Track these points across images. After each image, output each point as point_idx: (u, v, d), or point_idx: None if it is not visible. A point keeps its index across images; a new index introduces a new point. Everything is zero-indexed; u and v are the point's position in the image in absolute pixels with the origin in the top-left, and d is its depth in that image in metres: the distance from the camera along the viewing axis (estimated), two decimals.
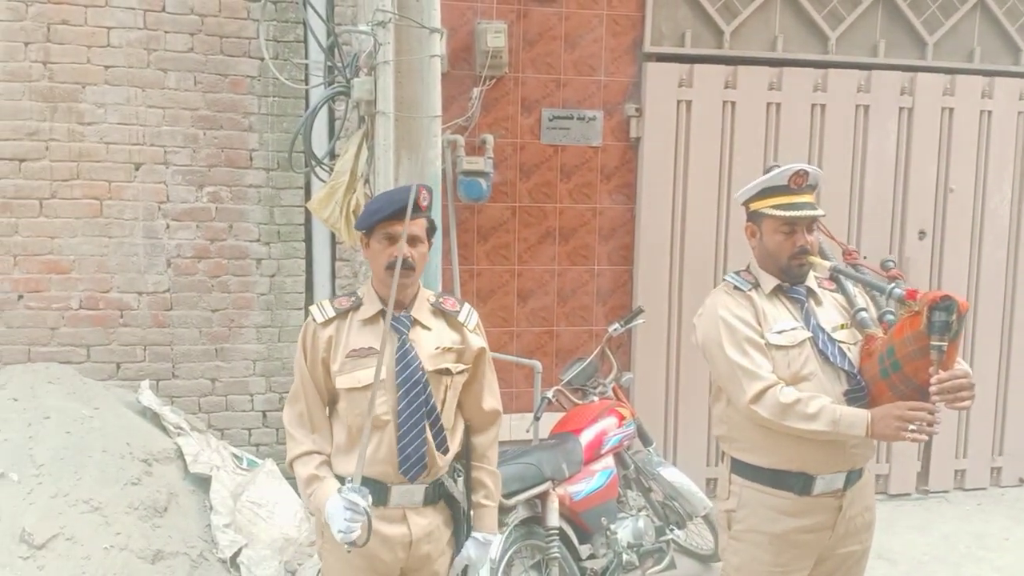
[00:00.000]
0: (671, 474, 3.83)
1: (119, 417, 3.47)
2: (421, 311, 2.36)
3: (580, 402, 3.82)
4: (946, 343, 2.15)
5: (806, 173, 2.45)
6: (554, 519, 3.23)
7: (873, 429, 2.25)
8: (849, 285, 2.56)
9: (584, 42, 4.69)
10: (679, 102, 4.75)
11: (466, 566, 2.49)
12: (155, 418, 3.60)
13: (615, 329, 3.92)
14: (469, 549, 2.41)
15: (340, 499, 2.11)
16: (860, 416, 2.28)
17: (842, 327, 2.48)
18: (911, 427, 2.19)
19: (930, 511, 4.87)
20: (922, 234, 5.00)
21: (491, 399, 2.46)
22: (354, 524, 2.09)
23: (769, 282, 2.50)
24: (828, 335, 2.43)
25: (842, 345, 2.43)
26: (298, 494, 3.62)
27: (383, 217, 2.23)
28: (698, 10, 4.77)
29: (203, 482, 3.46)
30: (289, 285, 4.39)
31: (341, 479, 2.25)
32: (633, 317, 3.99)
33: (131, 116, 4.17)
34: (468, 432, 2.47)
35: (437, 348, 2.32)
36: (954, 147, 5.02)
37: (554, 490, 3.28)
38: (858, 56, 4.95)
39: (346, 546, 2.14)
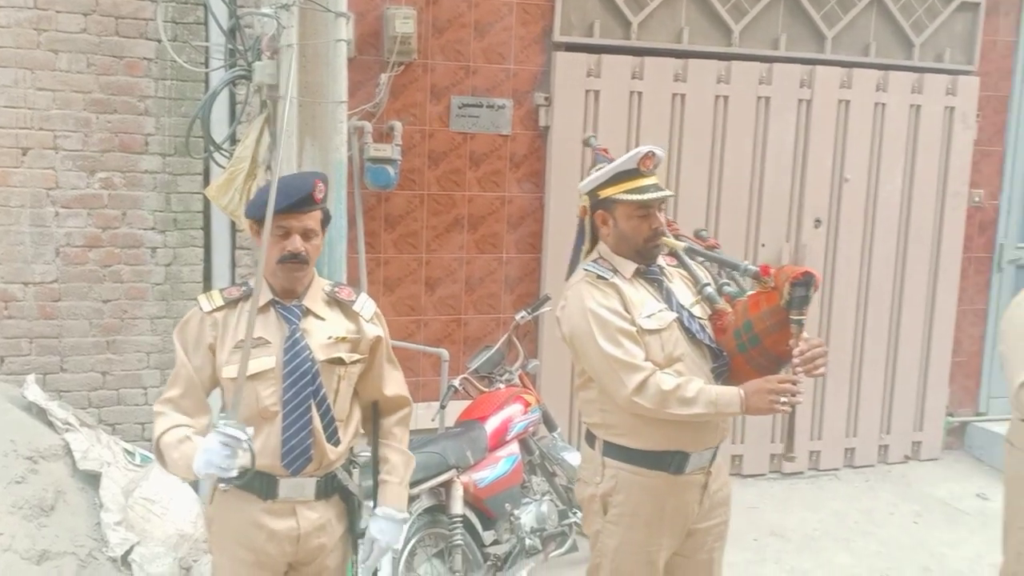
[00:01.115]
0: (575, 458, 3.88)
1: (3, 413, 3.34)
2: (315, 301, 2.33)
3: (487, 390, 3.84)
4: (805, 316, 2.28)
5: (654, 155, 2.47)
6: (458, 507, 3.26)
7: (747, 404, 2.32)
8: (688, 260, 2.61)
9: (494, 30, 4.69)
10: (587, 91, 4.79)
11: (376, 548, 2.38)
12: (41, 414, 3.47)
13: (522, 317, 3.96)
14: (371, 529, 2.36)
15: (216, 435, 2.00)
16: (734, 394, 2.34)
17: (696, 303, 2.54)
18: (782, 399, 2.28)
19: (822, 489, 5.09)
20: (818, 222, 5.18)
21: (393, 386, 2.45)
22: (232, 460, 1.98)
23: (628, 267, 2.51)
24: (689, 312, 2.49)
25: (701, 322, 2.50)
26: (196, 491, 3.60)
27: (276, 211, 2.18)
28: (607, 1, 4.82)
29: (93, 479, 3.34)
30: (186, 274, 4.28)
31: None
32: (540, 305, 4.04)
33: (19, 99, 4.00)
34: (376, 414, 2.45)
35: (330, 338, 2.29)
36: (850, 138, 5.20)
37: (458, 478, 3.31)
38: (760, 49, 5.07)
39: (221, 485, 2.06)
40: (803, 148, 5.14)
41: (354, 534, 2.40)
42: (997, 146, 5.58)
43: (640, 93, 4.86)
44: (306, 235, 2.24)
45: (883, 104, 5.23)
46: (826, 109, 5.14)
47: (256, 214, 2.26)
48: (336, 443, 2.29)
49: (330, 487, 2.31)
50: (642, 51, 4.87)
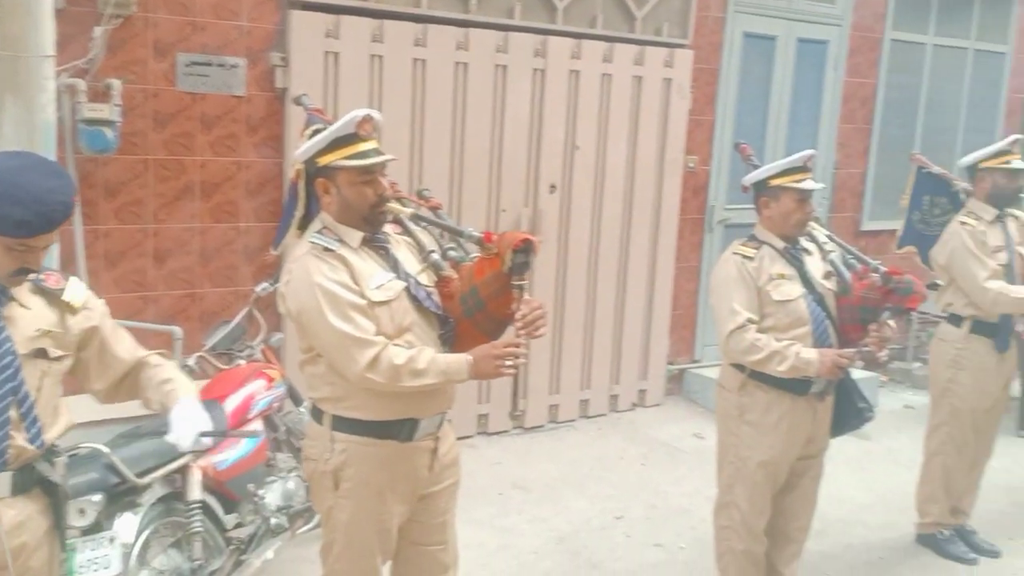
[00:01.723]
0: None
1: None
2: (19, 289, 2.10)
3: (226, 367, 3.70)
4: (526, 281, 2.40)
5: (371, 118, 2.44)
6: (195, 492, 3.11)
7: (475, 370, 2.38)
8: (412, 225, 2.63)
9: None
10: (327, 53, 4.66)
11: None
12: None
13: (263, 288, 3.83)
14: (171, 427, 2.19)
15: None
16: (463, 361, 2.39)
17: (422, 271, 2.57)
18: (508, 362, 2.37)
19: (560, 440, 5.41)
20: (553, 188, 5.44)
21: (132, 350, 2.28)
22: None
23: (354, 236, 2.45)
24: (417, 281, 2.51)
25: (427, 289, 2.52)
26: None
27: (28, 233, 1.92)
28: None
29: None
30: None
31: None
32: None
33: None
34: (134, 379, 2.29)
35: (37, 330, 2.08)
36: (580, 108, 5.46)
37: (196, 462, 3.16)
38: (497, 17, 5.17)
39: None
40: (538, 116, 5.34)
41: (61, 530, 2.20)
42: (708, 115, 6.12)
43: (381, 57, 4.80)
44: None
45: (609, 75, 5.53)
46: (558, 79, 5.36)
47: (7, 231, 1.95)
48: (40, 445, 2.07)
49: (28, 480, 2.09)
50: (382, 14, 4.81)
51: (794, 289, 3.19)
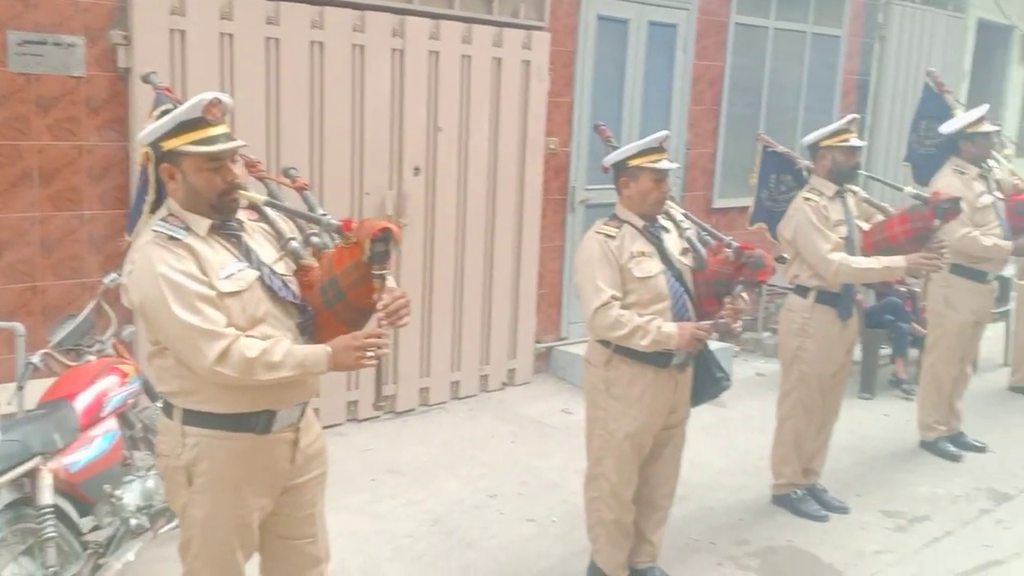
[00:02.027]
0: None
1: None
2: None
3: (74, 364, 3.49)
4: (387, 270, 2.36)
5: (220, 102, 2.34)
6: (47, 497, 2.93)
7: (335, 362, 2.33)
8: (269, 212, 2.56)
9: None
10: (172, 31, 4.44)
11: None
12: None
13: (112, 279, 3.61)
14: None
15: None
16: (321, 352, 2.33)
17: (279, 259, 2.51)
18: (369, 353, 2.33)
19: (431, 422, 5.42)
20: (417, 170, 5.40)
21: None
22: None
23: (202, 224, 2.35)
24: (271, 270, 2.44)
25: (285, 278, 2.46)
26: None
27: None
28: None
29: None
30: None
31: None
32: None
33: None
34: None
35: None
36: (441, 89, 5.43)
37: (45, 465, 2.98)
38: None
39: None
40: (399, 97, 5.27)
41: None
42: (567, 97, 6.22)
43: (231, 35, 4.62)
44: None
45: (469, 56, 5.52)
46: (418, 59, 5.31)
47: None
48: None
49: None
50: None
51: (654, 266, 3.31)
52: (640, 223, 3.35)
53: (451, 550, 3.90)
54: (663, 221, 3.45)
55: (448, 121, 5.49)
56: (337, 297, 2.43)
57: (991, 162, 5.15)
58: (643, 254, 3.31)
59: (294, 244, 2.54)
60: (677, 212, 3.55)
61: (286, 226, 2.59)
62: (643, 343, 3.18)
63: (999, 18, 9.36)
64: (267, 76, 4.77)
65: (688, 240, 3.45)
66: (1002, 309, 6.73)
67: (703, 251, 3.41)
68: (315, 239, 2.59)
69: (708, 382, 3.54)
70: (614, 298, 3.22)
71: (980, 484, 4.75)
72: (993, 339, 6.61)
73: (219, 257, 2.35)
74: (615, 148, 3.44)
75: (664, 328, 3.19)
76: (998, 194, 5.12)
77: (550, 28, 5.95)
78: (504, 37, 5.65)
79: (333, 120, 5.02)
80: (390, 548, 3.89)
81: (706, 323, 3.28)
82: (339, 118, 5.05)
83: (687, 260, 3.41)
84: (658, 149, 3.32)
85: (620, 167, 3.36)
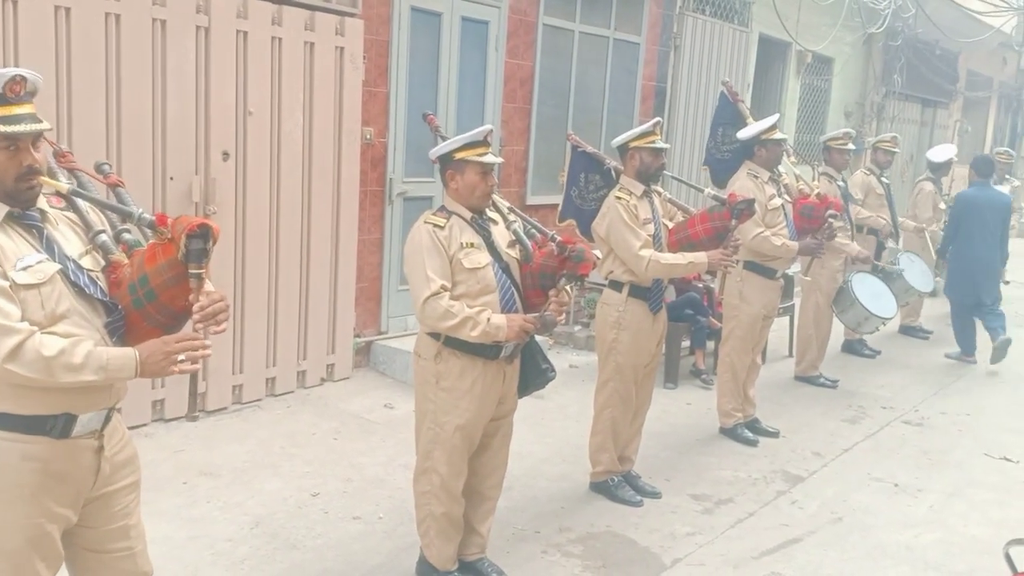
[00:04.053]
0: None
1: None
2: None
3: None
4: (204, 270, 2.21)
5: (24, 79, 2.13)
6: None
7: (143, 368, 2.19)
8: (82, 203, 2.38)
9: None
10: None
11: None
12: None
13: None
14: None
15: None
16: (128, 356, 2.18)
17: (87, 253, 2.32)
18: (180, 358, 2.20)
19: (247, 421, 5.17)
20: (226, 155, 5.11)
21: None
22: None
23: None
24: (76, 264, 2.25)
25: (92, 274, 2.28)
26: None
27: None
28: None
29: None
30: None
31: None
32: None
33: None
34: None
35: None
36: (250, 71, 5.17)
37: None
38: None
39: None
40: (204, 78, 4.97)
41: None
42: (383, 87, 6.12)
43: (14, 4, 4.18)
44: None
45: (279, 39, 5.29)
46: (224, 38, 5.02)
47: None
48: None
49: None
50: None
51: (482, 257, 3.33)
52: (468, 215, 3.36)
53: (275, 552, 3.73)
54: (491, 213, 3.48)
55: (259, 105, 5.24)
56: (148, 297, 2.25)
57: (780, 168, 5.60)
58: (472, 245, 3.32)
59: (103, 237, 2.35)
60: (503, 205, 3.58)
61: (96, 218, 2.39)
62: (473, 334, 3.19)
63: (780, 34, 10.17)
64: (56, 49, 4.35)
65: (515, 233, 3.49)
66: (787, 304, 7.36)
67: (529, 244, 3.47)
68: (127, 235, 2.41)
69: (534, 373, 3.61)
70: (444, 288, 3.21)
71: (775, 467, 5.14)
72: (778, 332, 7.19)
73: (16, 247, 2.15)
74: (444, 138, 3.43)
75: (494, 320, 3.22)
76: (787, 197, 5.59)
77: (364, 16, 5.83)
78: (316, 21, 5.47)
79: (132, 100, 4.66)
80: (209, 554, 3.67)
81: (533, 315, 3.34)
82: (139, 98, 4.69)
83: (514, 252, 3.46)
84: (483, 143, 3.34)
85: (446, 160, 3.35)
